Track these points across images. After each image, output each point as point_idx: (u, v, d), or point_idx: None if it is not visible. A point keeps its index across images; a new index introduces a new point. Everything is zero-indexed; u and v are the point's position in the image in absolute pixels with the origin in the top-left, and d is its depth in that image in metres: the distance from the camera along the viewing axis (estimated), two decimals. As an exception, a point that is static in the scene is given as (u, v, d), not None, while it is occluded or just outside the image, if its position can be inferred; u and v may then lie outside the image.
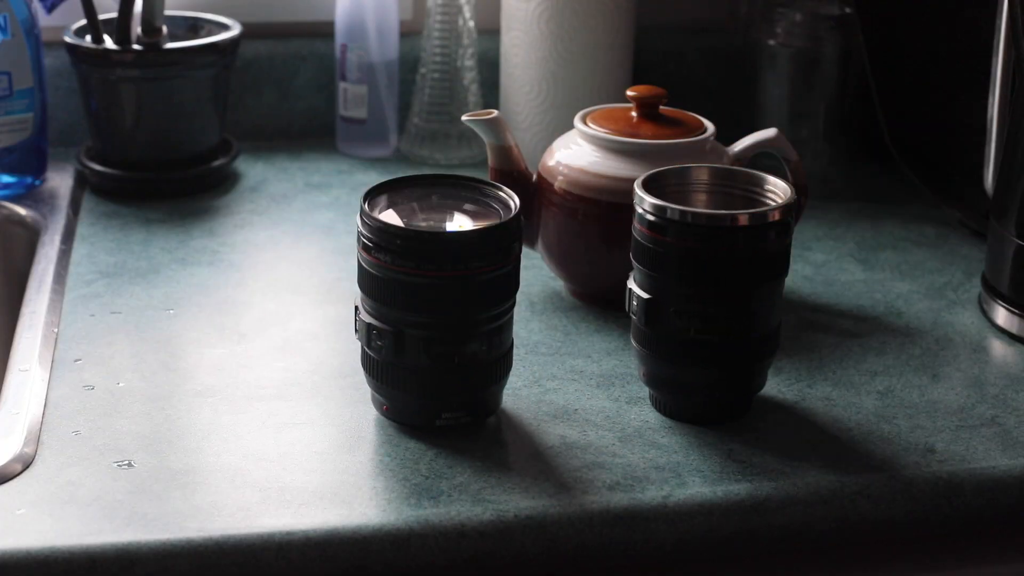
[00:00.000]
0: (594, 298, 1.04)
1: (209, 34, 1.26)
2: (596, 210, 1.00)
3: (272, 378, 0.92)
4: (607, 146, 1.01)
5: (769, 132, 1.04)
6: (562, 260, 1.03)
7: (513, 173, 1.03)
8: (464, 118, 1.02)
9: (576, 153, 1.02)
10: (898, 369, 0.95)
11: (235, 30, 1.26)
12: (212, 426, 0.86)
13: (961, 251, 1.15)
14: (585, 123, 1.04)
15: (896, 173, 1.28)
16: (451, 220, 0.85)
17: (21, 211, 1.19)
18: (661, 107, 1.04)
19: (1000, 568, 0.86)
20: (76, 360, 0.93)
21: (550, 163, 1.04)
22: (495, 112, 1.02)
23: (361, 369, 0.87)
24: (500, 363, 0.85)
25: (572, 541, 0.78)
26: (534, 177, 1.04)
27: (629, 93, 1.03)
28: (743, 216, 0.83)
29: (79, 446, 0.83)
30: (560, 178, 1.01)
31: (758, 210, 0.84)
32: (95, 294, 1.03)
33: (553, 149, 1.05)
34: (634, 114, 1.04)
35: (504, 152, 1.03)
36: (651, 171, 0.88)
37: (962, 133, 1.21)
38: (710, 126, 1.04)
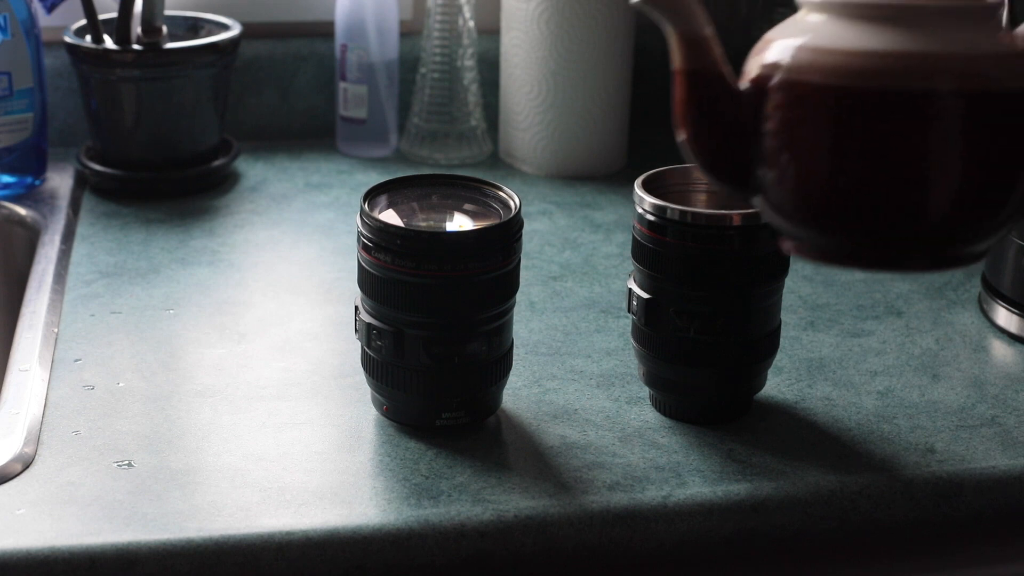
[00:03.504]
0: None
1: (209, 34, 1.26)
2: (862, 102, 0.71)
3: (272, 378, 0.92)
4: (864, 14, 0.73)
5: None
6: (814, 194, 0.73)
7: (713, 76, 0.75)
8: (633, 2, 0.75)
9: (816, 31, 0.73)
10: (898, 369, 0.95)
11: (235, 30, 1.26)
12: (212, 426, 0.86)
13: (961, 251, 1.15)
14: None
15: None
16: (451, 220, 0.85)
17: (21, 211, 1.19)
18: None
19: (1000, 568, 0.86)
20: (76, 360, 0.93)
21: (769, 53, 0.74)
22: None
23: (361, 369, 0.87)
24: (500, 363, 0.85)
25: (572, 541, 0.78)
26: (744, 83, 0.75)
27: None
28: (743, 216, 0.83)
29: (79, 446, 0.83)
30: (794, 66, 0.72)
31: (758, 210, 0.83)
32: (95, 294, 1.03)
33: (768, 40, 0.75)
34: None
35: (699, 46, 0.75)
36: (652, 171, 0.88)
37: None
38: None
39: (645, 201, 0.85)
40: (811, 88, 0.72)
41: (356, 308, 0.85)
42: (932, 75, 0.71)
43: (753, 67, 0.75)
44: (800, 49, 0.73)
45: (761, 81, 0.74)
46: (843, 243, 0.73)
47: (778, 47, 0.74)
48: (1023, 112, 0.72)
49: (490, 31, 1.38)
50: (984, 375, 0.95)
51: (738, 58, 1.36)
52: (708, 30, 0.74)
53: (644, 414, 0.89)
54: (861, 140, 0.71)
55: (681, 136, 0.77)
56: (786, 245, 0.77)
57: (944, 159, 0.71)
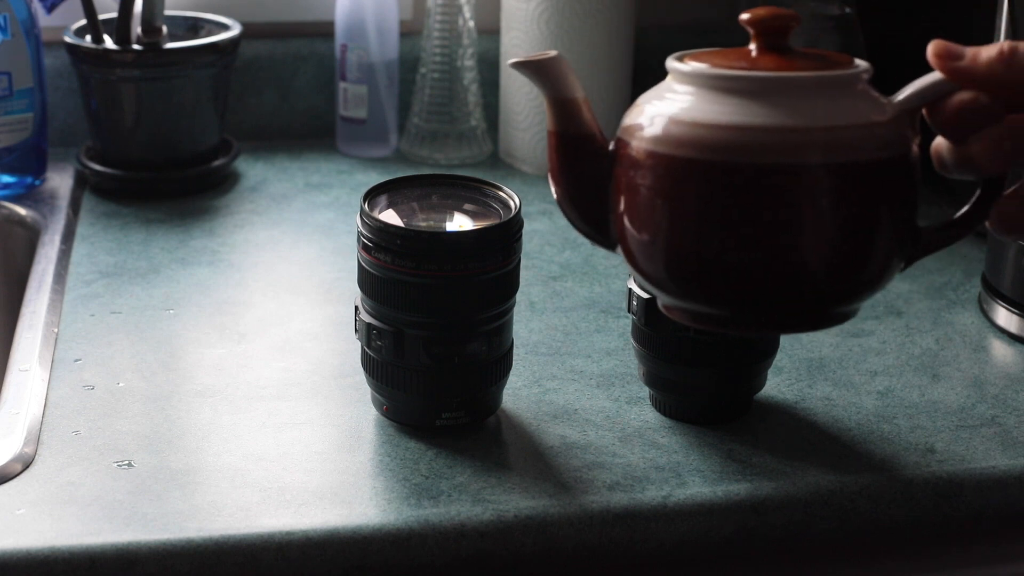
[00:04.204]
0: (720, 319, 0.75)
1: (209, 34, 1.26)
2: (731, 177, 0.71)
3: (272, 378, 0.92)
4: (729, 87, 0.73)
5: (934, 76, 0.73)
6: (674, 259, 0.73)
7: (580, 137, 0.76)
8: (511, 63, 0.76)
9: (684, 102, 0.73)
10: (898, 369, 0.95)
11: (235, 30, 1.26)
12: (212, 426, 0.86)
13: (961, 251, 1.15)
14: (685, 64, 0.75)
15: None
16: (451, 220, 0.85)
17: (21, 211, 1.19)
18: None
19: (1000, 568, 0.86)
20: (76, 360, 0.93)
21: (638, 120, 0.74)
22: (554, 52, 0.76)
23: (361, 369, 0.87)
24: (500, 363, 0.85)
25: (572, 541, 0.78)
26: (611, 145, 0.76)
27: (744, 17, 0.76)
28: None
29: (79, 446, 0.83)
30: (663, 138, 0.72)
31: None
32: (95, 294, 1.03)
33: (639, 105, 0.76)
34: (753, 47, 0.76)
35: (567, 108, 0.76)
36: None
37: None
38: (862, 63, 0.75)
39: (645, 201, 0.85)
40: (675, 160, 0.72)
41: (356, 308, 0.85)
42: (798, 149, 0.71)
43: (622, 130, 0.75)
44: (666, 119, 0.73)
45: (626, 147, 0.74)
46: (713, 309, 0.74)
47: (646, 113, 0.74)
48: (889, 179, 0.72)
49: (490, 31, 1.38)
50: (984, 375, 0.95)
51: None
52: (578, 93, 0.75)
53: (644, 414, 0.89)
54: (727, 212, 0.71)
55: (555, 193, 0.78)
56: (663, 309, 0.78)
57: (813, 227, 0.71)
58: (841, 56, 0.76)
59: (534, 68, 0.75)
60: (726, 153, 0.71)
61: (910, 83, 0.74)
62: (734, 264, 0.71)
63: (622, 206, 0.75)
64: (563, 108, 0.76)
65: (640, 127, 0.74)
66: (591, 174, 0.76)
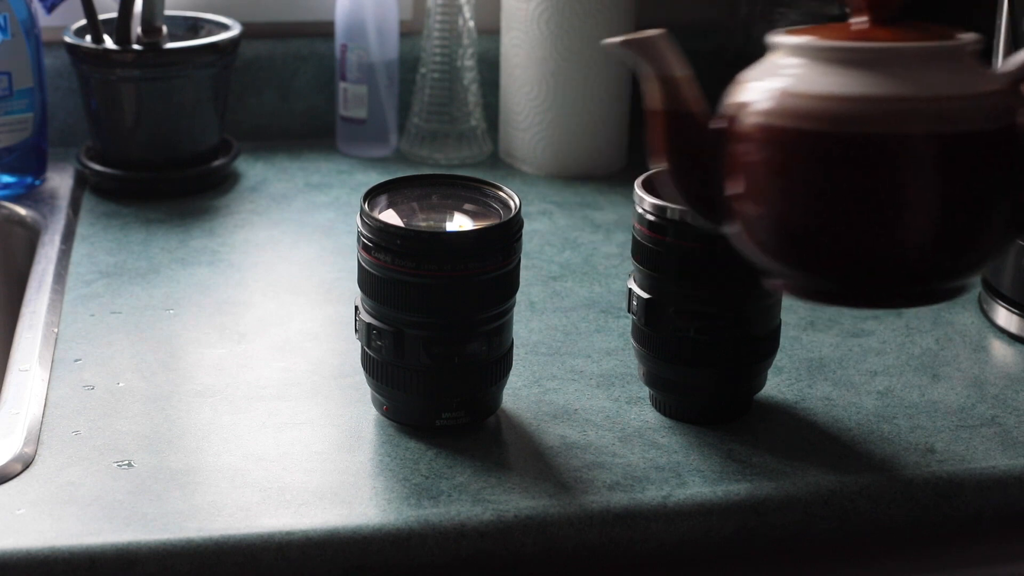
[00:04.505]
0: (842, 294, 0.75)
1: (209, 34, 1.26)
2: (842, 148, 0.71)
3: (272, 378, 0.92)
4: (840, 59, 0.73)
5: None
6: (785, 232, 0.73)
7: (687, 116, 0.75)
8: (610, 42, 0.75)
9: (794, 76, 0.73)
10: (898, 369, 0.95)
11: (235, 30, 1.26)
12: (212, 426, 0.86)
13: (961, 251, 1.15)
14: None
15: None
16: (451, 220, 0.85)
17: (21, 211, 1.19)
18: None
19: (1000, 568, 0.86)
20: (76, 360, 0.93)
21: (747, 96, 0.74)
22: (660, 30, 0.75)
23: (361, 369, 0.87)
24: (500, 363, 0.85)
25: (572, 541, 0.78)
26: (716, 123, 0.76)
27: None
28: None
29: (79, 446, 0.83)
30: (775, 111, 0.72)
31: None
32: (95, 294, 1.03)
33: (744, 82, 0.76)
34: (859, 20, 0.76)
35: (673, 86, 0.75)
36: (650, 171, 0.88)
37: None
38: (970, 34, 0.75)
39: (645, 201, 0.85)
40: (786, 133, 0.72)
41: (356, 308, 0.85)
42: (907, 119, 0.71)
43: (727, 108, 0.75)
44: (775, 93, 0.73)
45: (734, 123, 0.74)
46: (823, 283, 0.74)
47: (753, 89, 0.75)
48: (997, 150, 0.72)
49: (490, 31, 1.38)
50: (984, 375, 0.95)
51: (737, 58, 1.36)
52: (682, 71, 0.75)
53: (644, 414, 0.89)
54: (836, 184, 0.71)
55: (662, 172, 0.78)
56: (770, 283, 0.78)
57: (921, 200, 0.71)
58: (945, 28, 0.76)
59: (638, 46, 0.75)
60: (837, 124, 0.71)
61: (1017, 52, 0.74)
62: (844, 236, 0.71)
63: (733, 181, 0.74)
64: (669, 86, 0.75)
65: (750, 102, 0.74)
66: (699, 152, 0.75)
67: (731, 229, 0.76)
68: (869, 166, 0.71)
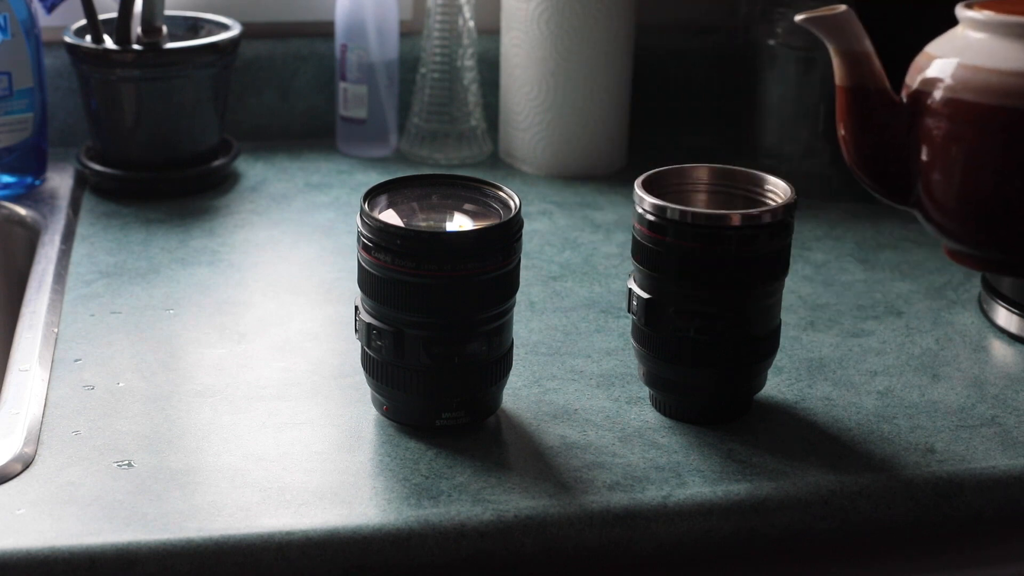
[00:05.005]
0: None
1: (209, 34, 1.26)
2: None
3: (272, 378, 0.92)
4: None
5: None
6: (976, 206, 0.74)
7: (875, 91, 0.77)
8: (798, 18, 0.77)
9: (986, 52, 0.74)
10: (898, 369, 0.95)
11: (235, 30, 1.26)
12: (212, 426, 0.86)
13: (961, 251, 1.15)
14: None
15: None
16: (451, 220, 0.85)
17: (21, 211, 1.19)
18: None
19: (1000, 568, 0.86)
20: (76, 360, 0.93)
21: (935, 72, 0.76)
22: (843, 7, 0.77)
23: (361, 369, 0.87)
24: (500, 363, 0.85)
25: (572, 541, 0.78)
26: (904, 97, 0.77)
27: None
28: (743, 216, 0.83)
29: (79, 446, 0.83)
30: (967, 86, 0.74)
31: (758, 210, 0.84)
32: (95, 294, 1.03)
33: (932, 56, 0.77)
34: None
35: (860, 60, 0.77)
36: (652, 171, 0.88)
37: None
38: None
39: (645, 201, 0.85)
40: (973, 107, 0.73)
41: (356, 308, 0.85)
42: None
43: (914, 82, 0.76)
44: (962, 68, 0.74)
45: (921, 96, 0.75)
46: (1006, 255, 0.75)
47: (939, 64, 0.75)
48: None
49: (490, 31, 1.38)
50: (984, 375, 0.95)
51: (737, 58, 1.36)
52: (867, 46, 0.75)
53: (644, 414, 0.89)
54: (1019, 158, 0.72)
55: (847, 156, 0.78)
56: (948, 254, 0.77)
57: None
58: None
59: (822, 23, 0.75)
60: (1020, 99, 0.72)
61: None
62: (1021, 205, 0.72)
63: (925, 156, 0.75)
64: (856, 61, 0.76)
65: (940, 79, 0.74)
66: (888, 128, 0.76)
67: (906, 202, 0.77)
68: None
